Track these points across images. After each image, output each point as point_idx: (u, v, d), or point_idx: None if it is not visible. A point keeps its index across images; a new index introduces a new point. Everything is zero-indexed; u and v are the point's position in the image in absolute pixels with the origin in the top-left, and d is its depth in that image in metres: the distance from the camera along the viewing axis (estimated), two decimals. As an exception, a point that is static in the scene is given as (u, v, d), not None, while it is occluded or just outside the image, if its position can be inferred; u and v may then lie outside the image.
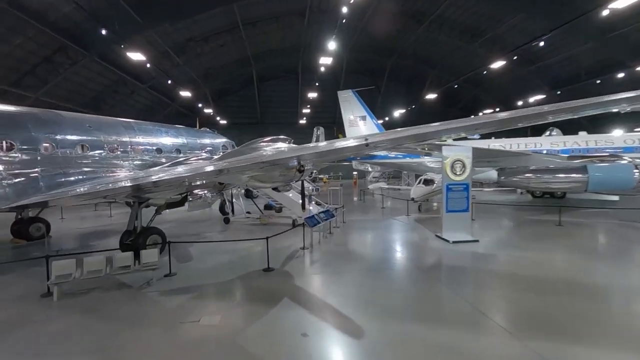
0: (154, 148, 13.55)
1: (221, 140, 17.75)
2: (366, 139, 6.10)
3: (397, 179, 43.76)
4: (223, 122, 52.29)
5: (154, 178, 8.15)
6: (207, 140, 16.65)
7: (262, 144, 10.83)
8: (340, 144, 7.04)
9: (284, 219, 15.52)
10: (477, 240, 11.46)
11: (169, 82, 38.65)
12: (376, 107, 46.97)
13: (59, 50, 28.45)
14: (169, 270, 8.93)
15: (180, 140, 14.97)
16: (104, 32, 27.46)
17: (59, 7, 24.87)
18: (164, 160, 13.68)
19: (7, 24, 23.91)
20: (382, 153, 30.97)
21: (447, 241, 11.46)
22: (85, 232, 15.45)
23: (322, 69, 38.98)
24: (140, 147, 12.90)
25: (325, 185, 45.67)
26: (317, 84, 45.11)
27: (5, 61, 26.39)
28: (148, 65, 35.35)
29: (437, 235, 12.30)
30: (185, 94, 40.71)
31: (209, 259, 10.20)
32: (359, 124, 34.26)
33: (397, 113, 50.07)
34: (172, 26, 32.35)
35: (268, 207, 18.18)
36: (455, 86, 46.32)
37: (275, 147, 10.93)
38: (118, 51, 30.40)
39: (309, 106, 48.86)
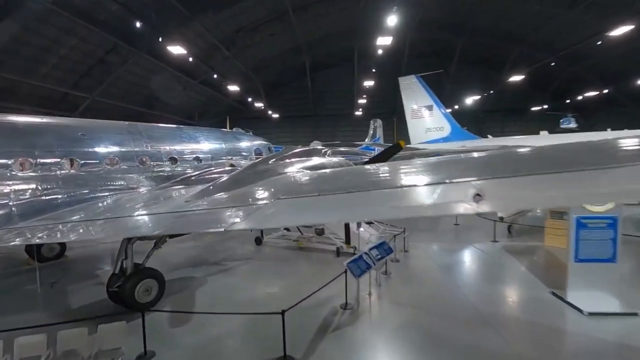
0: (167, 158, 11.03)
1: (255, 142, 14.89)
2: (478, 195, 2.42)
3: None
4: (275, 115, 50.53)
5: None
6: (238, 144, 13.88)
7: (286, 161, 7.59)
8: (426, 199, 3.11)
9: (326, 244, 12.17)
10: (635, 314, 6.95)
11: (220, 76, 37.42)
12: (444, 93, 40.97)
13: (111, 50, 28.23)
14: (144, 348, 6.12)
15: (201, 146, 12.34)
16: (150, 27, 26.45)
17: (106, 6, 24.10)
18: (181, 170, 11.17)
19: (60, 26, 23.74)
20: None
21: (579, 310, 7.12)
22: (110, 249, 13.75)
23: (381, 52, 34.50)
24: (148, 157, 10.43)
25: (384, 183, 41.34)
26: (374, 70, 40.62)
27: (64, 63, 26.67)
28: (198, 60, 34.37)
29: (554, 294, 7.96)
30: (237, 88, 39.21)
31: (209, 323, 7.23)
32: (424, 115, 29.49)
33: (470, 100, 43.51)
34: (219, 16, 30.50)
35: (310, 223, 15.03)
36: (552, 64, 38.33)
37: (308, 165, 7.59)
38: (166, 47, 29.38)
39: (365, 96, 44.66)
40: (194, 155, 11.92)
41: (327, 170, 6.02)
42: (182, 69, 34.68)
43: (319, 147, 9.60)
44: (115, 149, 9.78)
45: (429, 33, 41.90)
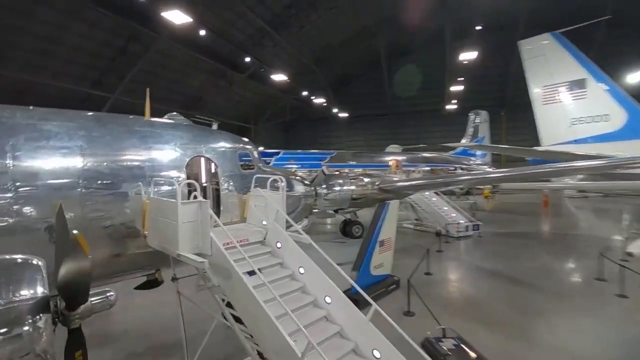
0: None
1: (216, 144, 6.58)
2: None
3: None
4: (343, 115, 42.12)
5: None
6: (148, 153, 5.64)
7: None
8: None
9: None
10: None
11: (271, 68, 30.56)
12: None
13: (131, 39, 23.44)
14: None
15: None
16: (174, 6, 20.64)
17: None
18: None
19: (62, 8, 19.32)
20: None
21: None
22: None
23: (484, 22, 23.51)
24: None
25: (489, 202, 29.54)
26: (474, 48, 29.08)
27: (76, 56, 22.43)
28: (241, 49, 28.11)
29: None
30: (294, 82, 32.19)
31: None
32: (567, 97, 17.80)
33: (631, 77, 28.76)
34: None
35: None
36: None
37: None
38: (198, 30, 23.71)
39: (461, 81, 33.20)
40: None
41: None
42: (224, 59, 28.88)
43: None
44: None
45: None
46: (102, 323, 7.34)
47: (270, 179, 5.70)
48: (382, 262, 9.11)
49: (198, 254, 4.47)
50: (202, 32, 24.53)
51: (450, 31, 33.23)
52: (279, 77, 31.40)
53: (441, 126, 41.46)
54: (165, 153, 5.76)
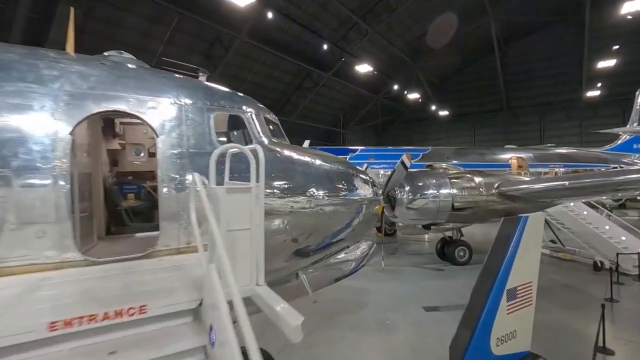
0: None
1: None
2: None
3: None
4: (444, 113, 36.35)
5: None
6: None
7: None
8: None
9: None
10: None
11: (360, 64, 27.41)
12: None
13: (214, 42, 23.25)
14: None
15: None
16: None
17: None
18: None
19: (145, 13, 19.78)
20: None
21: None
22: None
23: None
24: None
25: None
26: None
27: (164, 64, 23.10)
28: (324, 39, 25.79)
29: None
30: (386, 77, 28.62)
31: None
32: None
33: None
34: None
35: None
36: None
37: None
38: (280, 27, 22.42)
39: (612, 54, 24.74)
40: None
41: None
42: (310, 58, 27.07)
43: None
44: None
45: None
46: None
47: (229, 151, 2.46)
48: (513, 328, 4.84)
49: None
50: (284, 29, 23.29)
51: (591, 2, 25.14)
52: (368, 74, 28.24)
53: (576, 120, 32.36)
54: (24, 105, 2.88)
